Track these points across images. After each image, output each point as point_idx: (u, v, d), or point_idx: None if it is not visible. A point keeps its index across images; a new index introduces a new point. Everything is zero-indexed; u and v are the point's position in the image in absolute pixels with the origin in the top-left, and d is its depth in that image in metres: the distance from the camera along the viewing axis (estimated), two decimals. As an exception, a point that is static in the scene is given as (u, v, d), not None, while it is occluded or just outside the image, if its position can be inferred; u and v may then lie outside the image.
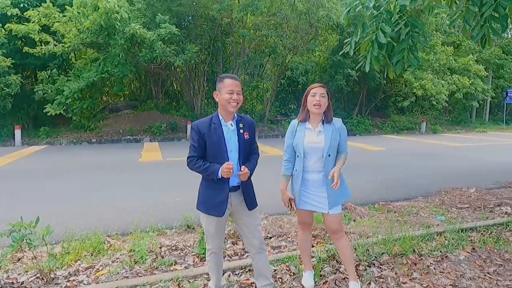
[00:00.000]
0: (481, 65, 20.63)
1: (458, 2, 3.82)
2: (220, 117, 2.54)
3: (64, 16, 12.88)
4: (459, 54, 20.76)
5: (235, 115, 2.59)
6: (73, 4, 12.50)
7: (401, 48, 3.72)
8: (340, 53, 5.32)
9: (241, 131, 2.58)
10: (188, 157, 2.51)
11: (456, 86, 19.22)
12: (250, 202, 2.63)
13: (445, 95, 18.70)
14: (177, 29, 13.31)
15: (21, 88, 13.72)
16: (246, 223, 2.67)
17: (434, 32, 18.40)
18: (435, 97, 18.39)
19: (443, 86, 18.46)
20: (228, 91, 2.46)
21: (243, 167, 2.49)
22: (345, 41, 4.17)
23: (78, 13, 12.58)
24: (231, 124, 2.56)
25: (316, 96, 2.72)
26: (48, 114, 13.33)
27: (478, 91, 20.51)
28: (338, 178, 2.64)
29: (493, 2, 3.09)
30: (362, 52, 3.96)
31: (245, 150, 2.59)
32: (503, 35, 22.28)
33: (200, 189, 2.63)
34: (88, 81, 13.25)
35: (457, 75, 19.43)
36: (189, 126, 15.30)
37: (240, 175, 2.48)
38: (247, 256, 3.52)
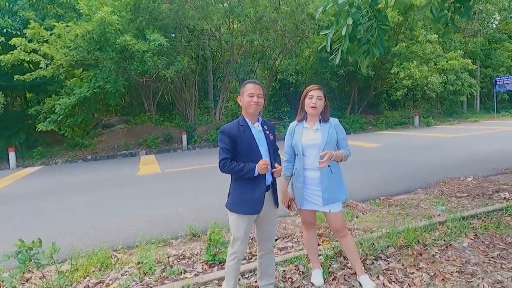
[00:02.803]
0: (468, 58, 20.81)
1: None
2: (247, 120, 2.68)
3: (52, 34, 12.74)
4: (446, 48, 20.97)
5: (258, 118, 2.75)
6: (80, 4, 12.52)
7: (365, 40, 3.92)
8: (319, 48, 5.49)
9: (267, 132, 2.74)
10: (221, 160, 2.59)
11: (445, 74, 19.47)
12: (277, 200, 2.79)
13: (437, 81, 18.89)
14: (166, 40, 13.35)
15: (7, 109, 13.61)
16: (269, 223, 2.79)
17: (420, 28, 18.64)
18: (427, 85, 18.60)
19: (430, 73, 18.69)
20: (248, 94, 2.63)
21: (276, 164, 2.62)
22: (321, 32, 4.33)
23: (68, 26, 12.50)
24: (258, 125, 2.71)
25: (313, 99, 2.83)
26: (38, 130, 13.20)
27: (466, 86, 20.75)
28: (327, 158, 2.64)
29: None
30: (336, 43, 4.10)
31: (272, 149, 2.73)
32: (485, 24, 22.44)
33: (232, 191, 2.71)
34: (80, 97, 13.13)
35: (445, 61, 19.65)
36: (184, 137, 15.42)
37: (275, 172, 2.61)
38: (254, 259, 3.55)
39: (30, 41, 12.74)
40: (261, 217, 2.73)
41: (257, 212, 2.64)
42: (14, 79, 13.16)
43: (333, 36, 3.97)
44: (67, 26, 12.51)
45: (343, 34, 3.75)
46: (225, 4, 15.18)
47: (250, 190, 2.61)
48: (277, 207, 2.80)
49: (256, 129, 2.69)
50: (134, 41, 12.40)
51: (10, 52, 12.60)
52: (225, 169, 2.58)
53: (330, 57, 4.19)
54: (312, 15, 15.24)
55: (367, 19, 3.82)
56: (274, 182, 2.74)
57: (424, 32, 18.35)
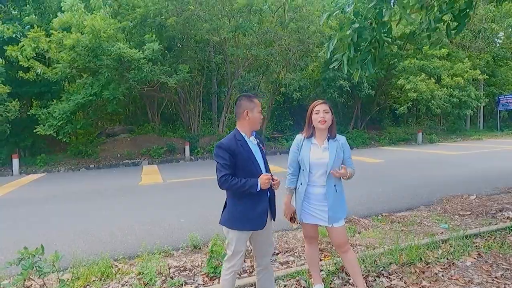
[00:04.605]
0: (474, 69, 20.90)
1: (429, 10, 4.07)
2: (243, 134, 2.66)
3: (50, 41, 12.77)
4: (452, 61, 21.06)
5: (253, 132, 2.74)
6: (55, 23, 12.49)
7: (367, 50, 3.96)
8: (320, 53, 5.52)
9: (260, 145, 2.74)
10: (221, 177, 2.51)
11: (451, 88, 19.50)
12: (274, 213, 2.76)
13: (443, 95, 18.87)
14: (168, 52, 13.48)
15: (17, 116, 13.77)
16: (267, 236, 2.76)
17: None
18: (432, 100, 18.59)
19: (438, 88, 18.72)
20: (259, 111, 2.66)
21: (274, 177, 2.58)
22: (325, 44, 4.38)
23: (62, 32, 12.55)
24: (253, 139, 2.70)
25: (320, 113, 2.83)
26: (37, 132, 13.21)
27: (472, 99, 20.76)
28: (344, 169, 2.74)
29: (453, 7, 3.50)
30: (339, 52, 4.10)
31: (266, 162, 2.74)
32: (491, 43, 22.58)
33: (232, 208, 2.64)
34: (77, 104, 13.19)
35: (450, 77, 19.68)
36: (187, 147, 15.45)
37: (274, 184, 2.57)
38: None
39: (35, 44, 12.77)
40: (258, 232, 2.68)
41: (261, 228, 2.61)
42: (20, 79, 13.23)
43: (335, 43, 3.99)
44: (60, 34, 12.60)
45: (348, 41, 3.78)
46: (232, 20, 15.36)
47: (252, 205, 2.58)
48: (274, 220, 2.77)
49: (252, 143, 2.68)
50: (128, 49, 12.46)
51: (22, 46, 12.69)
52: (226, 185, 2.52)
53: (331, 66, 4.22)
54: (317, 28, 15.43)
55: (371, 30, 3.85)
56: (271, 195, 2.71)
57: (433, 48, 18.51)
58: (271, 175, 2.57)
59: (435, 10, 3.84)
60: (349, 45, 3.83)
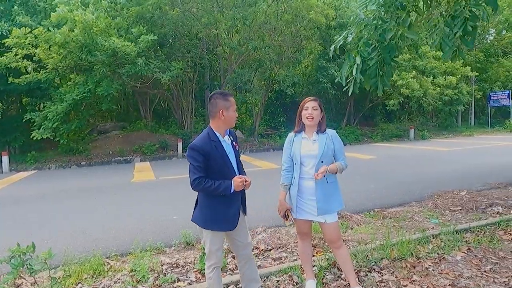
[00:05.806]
0: (466, 66, 21.14)
1: (436, 25, 4.18)
2: (217, 133, 2.59)
3: (37, 38, 12.54)
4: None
5: (226, 130, 2.68)
6: (53, 17, 12.33)
7: (374, 73, 4.26)
8: (325, 61, 5.96)
9: (233, 143, 2.69)
10: (194, 179, 2.47)
11: (443, 87, 19.69)
12: (245, 208, 2.76)
13: (434, 93, 19.01)
14: (160, 48, 13.32)
15: (5, 114, 13.57)
16: (242, 231, 2.75)
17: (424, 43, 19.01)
18: (423, 98, 18.73)
19: (431, 85, 18.90)
20: (234, 109, 2.60)
21: (246, 177, 2.56)
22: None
23: (49, 30, 12.39)
24: (228, 139, 2.65)
25: (309, 110, 2.87)
26: (35, 139, 13.13)
27: (464, 95, 20.95)
28: (322, 172, 2.70)
29: (462, 22, 3.64)
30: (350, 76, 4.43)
31: (238, 159, 2.71)
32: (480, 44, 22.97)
33: (204, 208, 2.61)
34: (71, 102, 13.05)
35: (444, 76, 19.89)
36: (179, 144, 15.38)
37: (246, 186, 2.55)
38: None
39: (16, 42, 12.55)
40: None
41: (232, 229, 2.60)
42: (9, 82, 13.08)
43: (345, 71, 4.22)
44: (48, 31, 12.38)
45: (354, 71, 4.05)
46: (226, 14, 15.29)
47: (225, 207, 2.56)
48: (245, 215, 2.78)
49: (226, 143, 2.63)
50: (123, 43, 12.36)
51: (5, 54, 12.55)
52: (200, 187, 2.49)
53: (344, 89, 4.49)
54: (315, 16, 15.44)
55: (378, 54, 4.00)
56: (242, 191, 2.68)
57: (429, 49, 18.72)
58: (244, 178, 2.54)
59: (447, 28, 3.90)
60: (356, 71, 4.10)
